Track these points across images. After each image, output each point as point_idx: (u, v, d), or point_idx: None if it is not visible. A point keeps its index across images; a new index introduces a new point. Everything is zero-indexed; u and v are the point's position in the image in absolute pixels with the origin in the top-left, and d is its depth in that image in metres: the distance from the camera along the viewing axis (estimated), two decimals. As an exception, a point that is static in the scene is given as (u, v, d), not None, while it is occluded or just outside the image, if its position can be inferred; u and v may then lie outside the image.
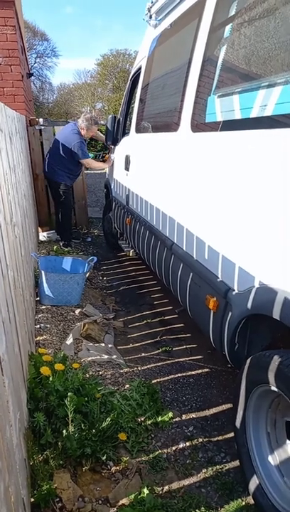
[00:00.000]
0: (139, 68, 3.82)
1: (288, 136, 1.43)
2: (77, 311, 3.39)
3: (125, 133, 4.42)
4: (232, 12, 1.93)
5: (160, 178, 2.92)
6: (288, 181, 1.41)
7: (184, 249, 2.44)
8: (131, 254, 4.53)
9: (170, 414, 2.22)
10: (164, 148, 2.84)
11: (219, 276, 1.98)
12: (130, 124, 4.03)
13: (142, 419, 2.16)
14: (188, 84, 2.35)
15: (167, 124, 2.82)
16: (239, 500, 1.76)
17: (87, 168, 5.67)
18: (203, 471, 1.91)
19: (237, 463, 1.91)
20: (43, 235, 5.49)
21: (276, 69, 1.53)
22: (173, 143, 2.59)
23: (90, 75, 34.73)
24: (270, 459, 1.68)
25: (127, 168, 3.97)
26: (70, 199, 5.21)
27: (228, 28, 1.97)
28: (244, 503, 1.74)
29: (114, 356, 2.84)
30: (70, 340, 2.85)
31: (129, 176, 3.95)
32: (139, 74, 3.78)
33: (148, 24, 3.37)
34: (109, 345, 3.00)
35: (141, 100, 3.64)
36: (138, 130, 3.67)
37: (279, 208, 1.46)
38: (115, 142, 4.72)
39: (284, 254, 1.44)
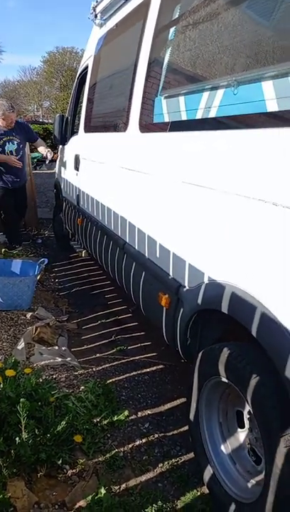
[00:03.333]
0: (86, 67, 3.79)
1: (230, 138, 1.49)
2: (29, 315, 3.30)
3: (74, 132, 4.37)
4: (176, 15, 1.98)
5: (110, 177, 2.91)
6: (234, 180, 1.48)
7: (136, 248, 2.46)
8: (83, 255, 4.48)
9: (126, 413, 2.24)
10: (113, 148, 2.84)
11: (171, 273, 2.02)
12: (79, 124, 3.99)
13: (98, 419, 2.15)
14: (134, 85, 2.37)
15: (116, 124, 2.83)
16: (195, 490, 1.81)
17: (35, 168, 5.49)
18: (159, 465, 1.94)
19: (191, 455, 1.96)
20: (-10, 238, 5.28)
21: (220, 72, 1.59)
22: (122, 143, 2.60)
23: (36, 72, 33.84)
24: (222, 448, 1.74)
25: (77, 168, 3.93)
26: (6, 199, 4.76)
27: (172, 30, 2.01)
28: (199, 493, 1.79)
29: (68, 359, 2.80)
30: (21, 345, 2.76)
31: (79, 176, 3.91)
32: (86, 73, 3.75)
33: (94, 23, 3.36)
34: (63, 348, 2.95)
35: (89, 99, 3.61)
36: (87, 130, 3.64)
37: (225, 206, 1.52)
38: (64, 141, 4.65)
39: (230, 249, 1.50)
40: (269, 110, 1.31)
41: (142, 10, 2.32)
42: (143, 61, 2.26)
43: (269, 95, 1.29)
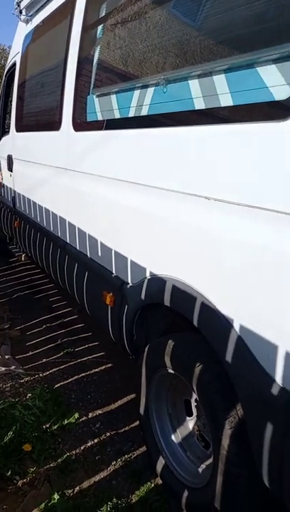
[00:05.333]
0: (14, 64, 3.66)
1: (162, 136, 1.53)
2: None
3: (5, 132, 4.19)
4: (103, 13, 1.98)
5: (46, 177, 2.84)
6: (168, 176, 1.51)
7: (77, 248, 2.43)
8: (23, 259, 4.34)
9: (76, 415, 2.21)
10: (47, 147, 2.78)
11: (114, 271, 2.02)
12: (9, 123, 3.84)
13: (47, 425, 2.10)
14: (65, 83, 2.33)
15: (48, 122, 2.76)
16: (149, 483, 1.83)
17: None
18: (113, 463, 1.94)
19: (144, 449, 1.98)
20: None
21: (151, 70, 1.61)
22: (56, 142, 2.55)
23: None
24: (173, 437, 1.78)
25: (11, 169, 3.78)
26: None
27: (100, 28, 2.01)
28: (153, 485, 1.82)
29: (13, 367, 2.70)
30: None
31: (13, 177, 3.77)
32: (14, 70, 3.62)
33: (19, 19, 3.25)
34: (6, 357, 2.84)
35: (19, 97, 3.49)
36: (18, 129, 3.52)
37: (160, 201, 1.55)
38: (-6, 141, 4.45)
39: (168, 243, 1.54)
40: (196, 108, 1.36)
41: (68, 7, 2.29)
42: (73, 59, 2.24)
43: (196, 93, 1.34)
